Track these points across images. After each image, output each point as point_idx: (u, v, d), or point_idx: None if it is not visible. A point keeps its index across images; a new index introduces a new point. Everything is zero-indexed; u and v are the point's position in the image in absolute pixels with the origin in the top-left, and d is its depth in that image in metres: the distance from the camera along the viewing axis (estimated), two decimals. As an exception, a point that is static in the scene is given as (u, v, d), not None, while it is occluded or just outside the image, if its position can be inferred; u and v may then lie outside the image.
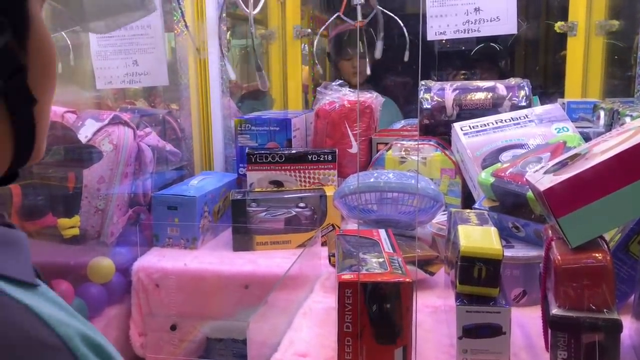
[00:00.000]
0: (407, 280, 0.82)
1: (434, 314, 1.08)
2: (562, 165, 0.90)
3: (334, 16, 2.16)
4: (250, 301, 1.37)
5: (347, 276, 0.84)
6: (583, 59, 2.41)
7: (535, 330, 0.98)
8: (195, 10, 1.77)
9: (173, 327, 1.39)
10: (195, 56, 1.80)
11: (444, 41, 2.75)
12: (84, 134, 1.36)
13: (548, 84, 3.32)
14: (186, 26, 1.71)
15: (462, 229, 0.88)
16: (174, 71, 1.82)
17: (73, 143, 1.27)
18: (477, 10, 1.60)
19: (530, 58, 3.67)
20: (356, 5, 1.91)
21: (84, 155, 1.30)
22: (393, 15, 2.06)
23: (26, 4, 0.44)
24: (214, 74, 1.84)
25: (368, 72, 2.22)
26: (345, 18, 2.09)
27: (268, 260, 1.39)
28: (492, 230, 0.88)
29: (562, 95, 2.40)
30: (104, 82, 1.78)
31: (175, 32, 1.79)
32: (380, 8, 1.99)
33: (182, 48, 1.79)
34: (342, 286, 0.82)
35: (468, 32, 1.61)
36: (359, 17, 1.86)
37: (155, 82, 1.79)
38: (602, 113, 1.69)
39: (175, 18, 1.77)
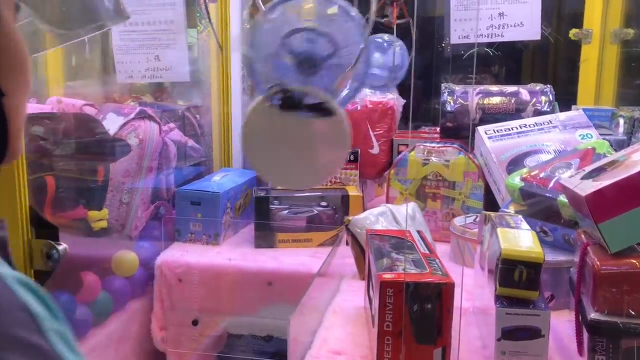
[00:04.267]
0: (450, 281, 0.83)
1: (462, 316, 1.09)
2: (601, 171, 0.91)
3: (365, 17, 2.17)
4: (272, 298, 1.37)
5: (389, 276, 0.84)
6: (597, 66, 2.42)
7: (565, 334, 0.99)
8: (219, 7, 1.78)
9: (195, 322, 1.39)
10: (217, 53, 1.81)
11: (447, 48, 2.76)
12: (108, 128, 1.37)
13: (560, 91, 3.33)
14: (210, 22, 1.71)
15: (501, 232, 0.88)
16: (194, 67, 1.82)
17: (101, 135, 1.27)
18: (501, 15, 1.61)
19: (541, 64, 3.69)
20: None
21: (113, 149, 1.30)
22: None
23: None
24: (236, 72, 1.85)
25: None
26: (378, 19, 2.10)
27: (291, 258, 1.40)
28: (532, 234, 0.89)
29: (574, 102, 2.41)
30: (125, 76, 1.78)
31: (198, 28, 1.80)
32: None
33: (204, 44, 1.80)
34: (384, 285, 0.83)
35: (491, 37, 1.62)
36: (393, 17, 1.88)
37: (176, 78, 1.79)
38: (621, 121, 1.70)
39: (198, 14, 1.77)
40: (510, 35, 1.61)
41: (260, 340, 1.42)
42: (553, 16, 3.46)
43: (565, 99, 2.53)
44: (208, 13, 1.67)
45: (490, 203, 1.45)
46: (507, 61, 3.15)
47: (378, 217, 1.27)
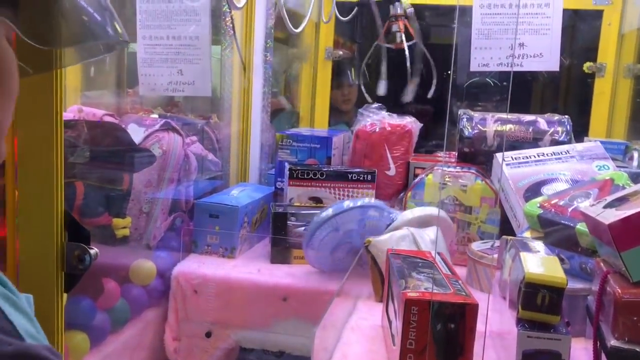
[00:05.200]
0: (473, 302, 0.84)
1: (479, 339, 1.10)
2: (623, 201, 0.93)
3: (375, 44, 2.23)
4: (287, 314, 1.38)
5: (414, 294, 0.86)
6: (610, 100, 2.45)
7: (582, 361, 1.00)
8: (244, 24, 1.81)
9: (208, 334, 1.40)
10: (239, 69, 1.84)
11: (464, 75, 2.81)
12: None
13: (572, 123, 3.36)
14: (235, 39, 1.74)
15: (525, 256, 0.90)
16: (214, 83, 1.85)
17: (128, 145, 1.30)
18: (521, 45, 1.64)
19: (552, 95, 3.72)
20: (395, 32, 1.97)
21: (139, 158, 1.32)
22: (425, 50, 2.14)
23: None
24: (257, 89, 1.88)
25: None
26: (383, 44, 2.14)
27: (307, 274, 1.41)
28: (555, 259, 0.90)
29: (585, 134, 2.44)
30: (148, 89, 1.81)
31: (222, 45, 1.83)
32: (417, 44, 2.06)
33: (227, 60, 1.83)
34: (409, 303, 0.84)
35: (511, 66, 1.65)
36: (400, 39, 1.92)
37: (199, 93, 1.82)
38: (635, 154, 1.72)
39: (223, 31, 1.81)
40: (529, 65, 1.64)
41: (272, 356, 1.42)
42: (566, 49, 3.50)
43: (576, 130, 2.56)
44: (234, 30, 1.70)
45: (506, 229, 1.46)
46: (518, 92, 3.18)
47: (399, 241, 1.29)
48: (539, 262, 0.89)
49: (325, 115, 2.70)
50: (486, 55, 1.66)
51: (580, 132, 2.46)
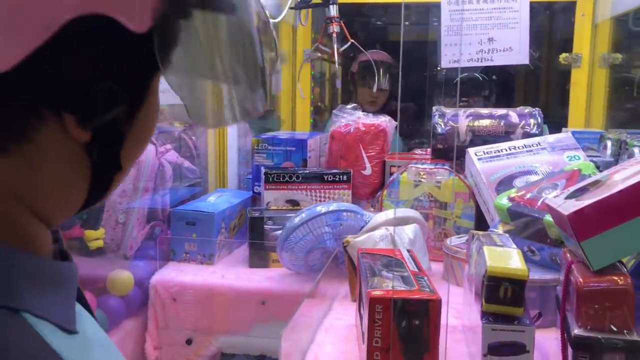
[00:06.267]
0: (437, 298, 0.85)
1: (451, 333, 1.10)
2: (584, 191, 0.94)
3: (315, 45, 2.26)
4: (266, 317, 1.39)
5: (378, 292, 0.86)
6: (586, 90, 2.47)
7: (552, 351, 1.01)
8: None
9: (189, 341, 1.41)
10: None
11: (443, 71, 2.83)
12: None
13: (550, 114, 3.38)
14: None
15: (487, 250, 0.91)
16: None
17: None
18: (490, 40, 1.65)
19: (533, 88, 3.75)
20: (331, 33, 1.99)
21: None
22: (363, 49, 2.18)
23: (152, 81, 0.43)
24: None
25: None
26: (322, 47, 2.16)
27: (284, 277, 1.42)
28: (517, 252, 0.91)
29: (565, 125, 2.45)
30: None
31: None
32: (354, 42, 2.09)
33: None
34: (373, 302, 0.85)
35: (481, 61, 1.67)
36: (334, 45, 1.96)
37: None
38: (609, 143, 1.74)
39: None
40: (500, 59, 1.65)
41: (253, 360, 1.43)
42: (544, 41, 3.53)
43: (557, 121, 2.58)
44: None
45: (481, 223, 1.48)
46: (499, 85, 3.20)
47: (378, 241, 1.29)
48: (501, 255, 0.89)
49: (307, 118, 2.71)
50: (456, 52, 1.67)
51: (562, 123, 2.48)
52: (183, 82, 0.44)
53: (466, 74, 2.59)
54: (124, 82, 0.40)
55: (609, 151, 1.71)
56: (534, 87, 3.74)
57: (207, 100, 0.48)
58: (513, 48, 1.64)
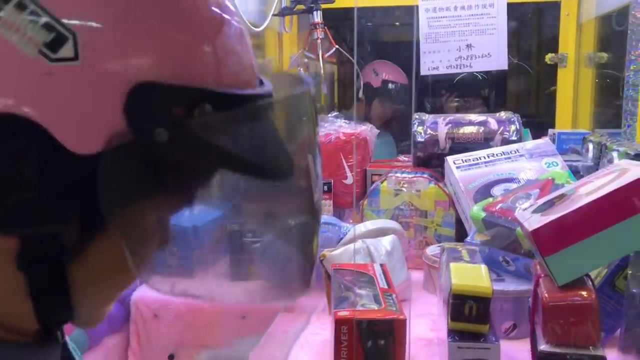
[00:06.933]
0: (401, 317, 0.85)
1: (427, 347, 1.11)
2: (550, 205, 0.94)
3: (299, 52, 2.26)
4: (247, 331, 1.39)
5: (343, 313, 0.87)
6: (573, 90, 2.47)
7: (525, 364, 1.01)
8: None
9: (171, 357, 1.41)
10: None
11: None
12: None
13: (540, 114, 3.38)
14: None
15: (453, 267, 0.91)
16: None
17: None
18: (469, 46, 1.65)
19: (522, 88, 3.74)
20: (316, 39, 2.00)
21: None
22: (348, 55, 2.19)
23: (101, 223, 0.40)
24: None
25: None
26: (307, 53, 2.16)
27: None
28: (482, 268, 0.92)
29: (552, 126, 2.45)
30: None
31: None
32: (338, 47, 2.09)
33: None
34: (338, 323, 0.85)
35: (460, 68, 1.67)
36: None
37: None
38: (590, 146, 1.73)
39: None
40: (478, 65, 1.65)
41: (236, 374, 1.43)
42: (534, 41, 3.52)
43: (548, 121, 2.58)
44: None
45: (462, 231, 1.48)
46: (492, 87, 3.19)
47: (354, 254, 1.29)
48: (466, 272, 0.90)
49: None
50: (435, 59, 1.67)
51: (552, 124, 2.48)
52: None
53: (464, 73, 2.58)
54: (69, 200, 0.37)
55: (590, 154, 1.71)
56: (527, 88, 3.73)
57: None
58: (491, 54, 1.64)
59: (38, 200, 0.36)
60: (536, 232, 0.86)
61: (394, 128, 2.74)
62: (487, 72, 2.65)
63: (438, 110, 2.63)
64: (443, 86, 2.67)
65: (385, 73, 2.51)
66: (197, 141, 0.38)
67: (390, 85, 2.36)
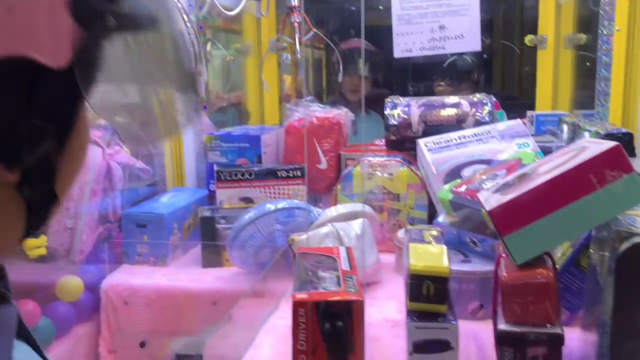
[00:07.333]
0: (359, 298, 0.84)
1: (393, 329, 1.11)
2: (510, 185, 0.93)
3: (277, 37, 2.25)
4: (218, 317, 1.38)
5: (302, 295, 0.86)
6: (553, 71, 2.46)
7: (490, 343, 1.01)
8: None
9: (142, 344, 1.40)
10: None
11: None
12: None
13: (522, 96, 3.37)
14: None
15: (412, 247, 0.90)
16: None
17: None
18: (441, 28, 1.64)
19: (505, 70, 3.73)
20: (292, 23, 1.98)
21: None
22: (330, 42, 2.17)
23: (78, 109, 0.41)
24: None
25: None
26: (285, 37, 2.14)
27: (236, 277, 1.41)
28: (441, 248, 0.91)
29: (533, 107, 2.44)
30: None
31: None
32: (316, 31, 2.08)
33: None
34: (296, 305, 0.84)
35: (433, 50, 1.65)
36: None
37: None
38: (565, 127, 1.73)
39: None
40: (452, 47, 1.64)
41: (209, 360, 1.42)
42: (516, 23, 3.51)
43: (531, 103, 2.57)
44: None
45: (434, 213, 1.47)
46: (481, 70, 3.18)
47: (323, 239, 1.29)
48: (425, 253, 0.89)
49: (276, 110, 2.69)
50: (408, 41, 1.65)
51: (531, 105, 2.48)
52: (109, 106, 0.42)
53: (455, 56, 2.55)
54: (49, 116, 0.38)
55: (565, 135, 1.70)
56: (511, 71, 3.72)
57: (136, 119, 0.48)
58: (464, 35, 1.63)
59: (37, 126, 0.37)
60: (493, 212, 0.86)
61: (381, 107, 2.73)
62: (476, 55, 2.63)
63: (426, 94, 2.61)
64: (434, 70, 2.66)
65: (346, 45, 2.49)
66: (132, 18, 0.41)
67: (354, 55, 2.33)
